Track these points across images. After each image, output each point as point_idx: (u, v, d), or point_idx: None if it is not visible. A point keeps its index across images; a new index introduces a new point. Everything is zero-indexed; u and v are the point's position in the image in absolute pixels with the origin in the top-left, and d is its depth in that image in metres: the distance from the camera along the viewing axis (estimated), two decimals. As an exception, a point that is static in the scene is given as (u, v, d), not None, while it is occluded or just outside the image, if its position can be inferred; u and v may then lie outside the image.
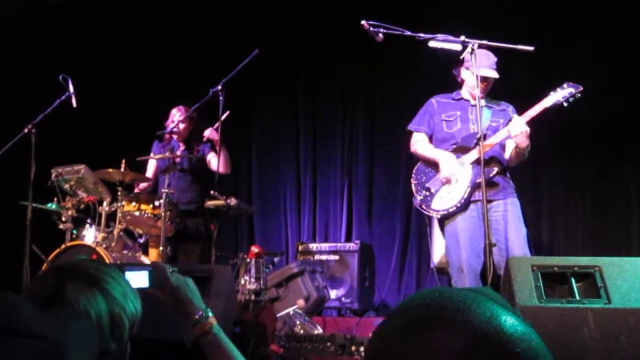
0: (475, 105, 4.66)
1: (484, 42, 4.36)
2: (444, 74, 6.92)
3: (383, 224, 7.41)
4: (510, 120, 4.64)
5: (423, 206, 4.76)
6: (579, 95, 4.45)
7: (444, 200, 4.67)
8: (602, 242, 6.40)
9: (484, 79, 4.57)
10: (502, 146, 4.75)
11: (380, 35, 4.41)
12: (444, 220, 4.73)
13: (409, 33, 4.39)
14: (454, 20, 6.07)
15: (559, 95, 4.46)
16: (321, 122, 7.83)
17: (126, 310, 1.50)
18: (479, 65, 4.43)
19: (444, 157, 4.72)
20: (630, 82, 6.29)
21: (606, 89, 6.16)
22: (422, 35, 4.39)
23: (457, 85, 4.98)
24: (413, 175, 4.95)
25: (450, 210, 4.62)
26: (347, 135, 7.67)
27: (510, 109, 4.85)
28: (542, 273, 3.06)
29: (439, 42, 4.39)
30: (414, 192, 4.87)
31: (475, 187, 4.56)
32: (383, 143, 7.53)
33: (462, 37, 4.34)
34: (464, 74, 4.85)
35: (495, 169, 4.61)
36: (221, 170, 5.63)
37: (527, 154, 4.64)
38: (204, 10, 7.73)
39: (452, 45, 4.39)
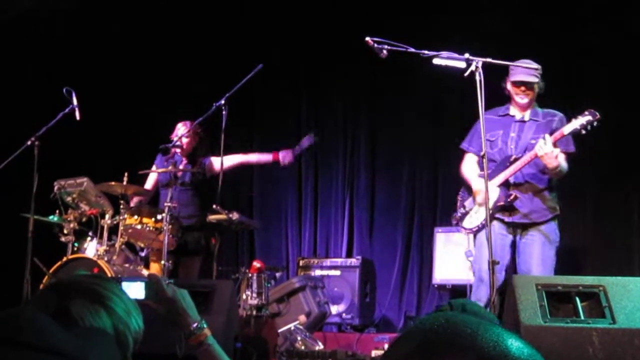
0: (518, 122, 4.76)
1: (488, 59, 4.36)
2: (446, 89, 7.02)
3: (384, 239, 7.40)
4: (552, 134, 4.57)
5: (459, 222, 4.91)
6: (597, 123, 4.45)
7: (471, 219, 4.79)
8: (603, 259, 6.39)
9: (519, 84, 4.67)
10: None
11: (385, 51, 4.42)
12: (476, 234, 4.81)
13: (413, 50, 4.40)
14: (464, 38, 6.08)
15: (577, 123, 4.44)
16: (322, 136, 7.83)
17: (130, 328, 1.49)
18: (513, 73, 4.58)
19: (475, 186, 4.79)
20: (632, 95, 6.30)
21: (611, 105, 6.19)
22: (426, 52, 4.40)
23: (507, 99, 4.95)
24: (459, 193, 5.07)
25: (474, 229, 4.74)
26: (349, 149, 7.67)
27: (557, 118, 4.72)
28: (547, 292, 3.06)
29: (443, 60, 4.39)
30: (457, 207, 5.01)
31: (496, 209, 4.61)
32: (385, 157, 7.54)
33: (467, 55, 4.34)
34: (508, 85, 4.83)
35: (512, 195, 4.61)
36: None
37: (562, 172, 4.60)
38: (208, 25, 7.75)
39: (456, 62, 4.39)
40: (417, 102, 7.42)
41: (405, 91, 7.39)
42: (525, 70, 4.70)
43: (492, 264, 3.98)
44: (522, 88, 4.72)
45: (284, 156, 6.02)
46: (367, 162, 7.59)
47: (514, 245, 4.73)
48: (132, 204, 5.96)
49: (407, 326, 6.71)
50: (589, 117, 4.42)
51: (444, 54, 4.38)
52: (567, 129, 4.48)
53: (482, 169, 4.69)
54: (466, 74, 4.46)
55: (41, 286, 5.29)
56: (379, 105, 7.63)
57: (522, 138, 4.62)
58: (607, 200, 6.51)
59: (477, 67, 4.27)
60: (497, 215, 4.65)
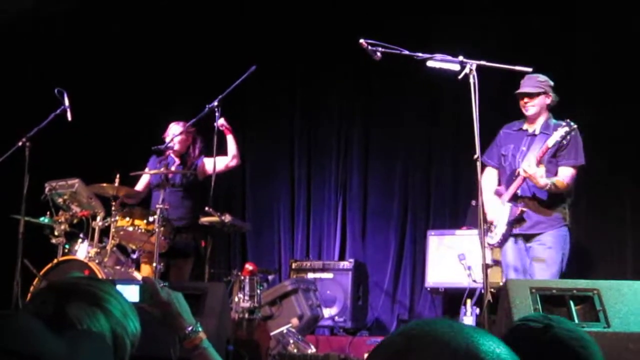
0: (530, 136, 4.87)
1: (482, 62, 4.35)
2: (439, 92, 7.02)
3: (377, 242, 7.39)
4: (558, 148, 4.67)
5: (485, 237, 4.95)
6: (573, 132, 4.56)
7: (492, 235, 4.86)
8: (596, 262, 6.40)
9: (521, 95, 4.83)
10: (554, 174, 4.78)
11: (379, 54, 4.42)
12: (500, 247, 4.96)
13: (407, 52, 4.40)
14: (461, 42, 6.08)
15: (558, 135, 4.54)
16: (316, 138, 7.83)
17: (127, 330, 1.47)
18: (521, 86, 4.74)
19: (487, 203, 4.81)
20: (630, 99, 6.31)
21: (607, 104, 6.22)
22: (420, 54, 4.40)
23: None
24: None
25: (495, 245, 4.88)
26: (342, 152, 7.67)
27: (564, 131, 4.61)
28: (541, 296, 3.05)
29: (437, 62, 4.39)
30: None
31: (512, 224, 4.75)
32: (377, 160, 7.53)
33: (460, 57, 4.34)
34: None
35: (519, 211, 4.72)
36: (233, 160, 5.81)
37: (559, 189, 4.69)
38: (201, 26, 7.73)
39: (450, 65, 4.39)
40: (411, 104, 7.42)
41: (399, 93, 7.39)
42: (526, 82, 4.83)
43: (485, 267, 4.03)
44: (525, 100, 4.83)
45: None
46: (360, 164, 7.58)
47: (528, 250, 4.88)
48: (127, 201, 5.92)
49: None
50: (566, 129, 4.53)
51: (438, 56, 4.38)
52: (550, 142, 4.57)
53: (499, 182, 4.98)
54: (460, 76, 4.46)
55: (32, 288, 5.26)
56: (372, 107, 7.62)
57: (530, 152, 4.72)
58: (600, 201, 6.50)
59: (471, 69, 4.27)
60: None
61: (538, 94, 4.82)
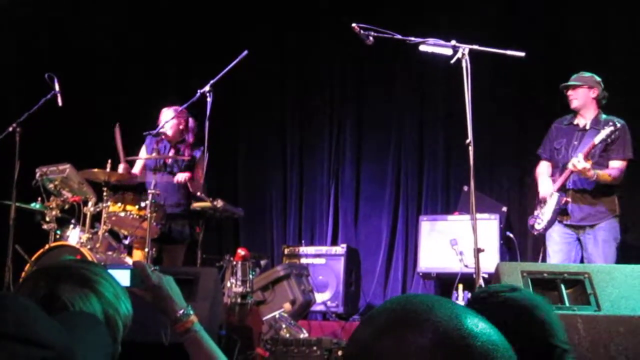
0: (581, 130, 5.11)
1: (475, 47, 4.35)
2: (431, 78, 7.01)
3: (369, 228, 7.40)
4: (608, 144, 4.92)
5: (533, 225, 5.22)
6: (620, 129, 4.82)
7: (539, 222, 5.16)
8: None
9: (562, 88, 5.12)
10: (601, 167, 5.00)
11: (371, 38, 4.41)
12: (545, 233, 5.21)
13: (399, 37, 4.39)
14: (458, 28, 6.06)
15: (604, 134, 4.77)
16: (308, 124, 7.81)
17: (119, 312, 1.48)
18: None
19: (541, 184, 5.24)
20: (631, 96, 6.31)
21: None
22: (412, 39, 4.39)
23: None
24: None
25: (541, 231, 5.15)
26: (334, 137, 7.65)
27: (609, 130, 4.82)
28: (532, 279, 3.06)
29: (430, 46, 4.39)
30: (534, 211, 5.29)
31: (556, 214, 5.04)
32: (370, 145, 7.53)
33: (453, 42, 4.33)
34: None
35: (564, 200, 5.00)
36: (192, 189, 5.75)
37: (608, 180, 4.92)
38: (194, 11, 7.69)
39: (442, 49, 4.38)
40: (403, 91, 7.41)
41: (392, 80, 7.38)
42: (572, 78, 5.11)
43: (477, 251, 4.03)
44: (569, 92, 5.10)
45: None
46: (352, 150, 7.57)
47: (581, 242, 5.09)
48: (120, 170, 5.83)
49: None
50: (612, 128, 4.75)
51: (431, 40, 4.38)
52: (597, 139, 4.80)
53: (552, 174, 5.23)
54: (453, 60, 4.45)
55: (23, 274, 5.24)
56: (365, 94, 7.60)
57: (581, 146, 4.93)
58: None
59: (463, 54, 4.27)
60: (558, 219, 5.08)
61: (580, 86, 5.05)
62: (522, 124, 6.90)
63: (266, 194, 7.77)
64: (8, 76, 7.29)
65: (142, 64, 7.61)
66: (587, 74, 5.12)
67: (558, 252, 5.07)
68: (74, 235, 5.53)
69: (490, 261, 5.31)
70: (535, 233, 5.26)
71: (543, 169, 5.34)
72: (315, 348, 4.34)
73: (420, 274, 6.43)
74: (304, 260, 6.55)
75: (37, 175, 5.55)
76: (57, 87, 5.45)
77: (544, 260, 5.27)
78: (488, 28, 6.49)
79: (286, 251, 6.72)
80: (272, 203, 7.73)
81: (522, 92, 6.86)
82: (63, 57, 7.21)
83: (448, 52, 4.37)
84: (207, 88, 5.23)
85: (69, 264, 1.52)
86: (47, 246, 5.38)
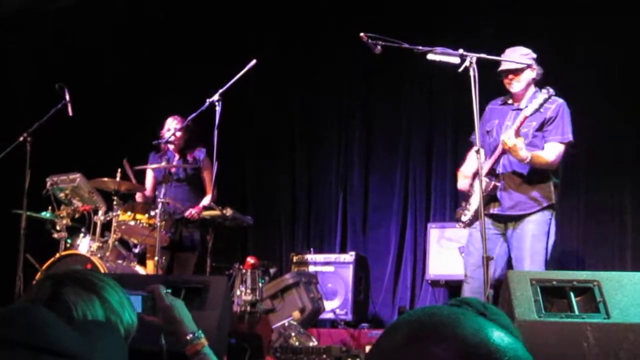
0: (516, 110, 4.60)
1: (483, 55, 4.36)
2: (439, 87, 7.02)
3: (378, 235, 7.40)
4: (544, 122, 4.51)
5: (460, 217, 4.80)
6: (551, 98, 4.30)
7: (465, 213, 4.74)
8: (596, 255, 6.41)
9: (504, 73, 4.55)
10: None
11: (379, 47, 4.42)
12: (468, 227, 4.77)
13: (407, 45, 4.40)
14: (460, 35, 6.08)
15: (536, 103, 4.29)
16: (316, 132, 7.83)
17: (122, 319, 1.50)
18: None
19: (459, 185, 4.85)
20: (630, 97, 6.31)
21: (606, 102, 6.22)
22: (420, 47, 4.40)
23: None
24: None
25: (467, 223, 4.70)
26: (343, 144, 7.66)
27: (553, 106, 4.48)
28: (541, 287, 3.06)
29: (437, 55, 4.39)
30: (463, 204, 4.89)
31: (485, 199, 4.36)
32: (379, 153, 7.53)
33: (461, 50, 4.34)
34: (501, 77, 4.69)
35: (492, 185, 4.46)
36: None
37: (542, 163, 4.45)
38: (202, 21, 7.73)
39: (450, 58, 4.39)
40: (412, 100, 7.41)
41: (400, 87, 7.39)
42: (508, 57, 4.57)
43: (487, 259, 3.97)
44: (510, 77, 4.55)
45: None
46: (361, 158, 7.58)
47: (507, 240, 4.62)
48: (139, 200, 5.95)
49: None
50: (545, 96, 4.26)
51: (438, 49, 4.38)
52: (528, 110, 4.31)
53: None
54: (460, 69, 4.46)
55: (34, 283, 5.28)
56: (373, 101, 7.61)
57: (514, 125, 4.38)
58: (599, 196, 6.51)
59: (471, 62, 4.27)
60: (485, 210, 4.39)
61: (523, 70, 4.54)
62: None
63: (275, 203, 7.79)
64: (19, 86, 7.34)
65: (150, 73, 7.65)
66: (526, 50, 4.57)
67: (479, 249, 4.25)
68: (84, 244, 5.56)
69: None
70: (463, 227, 4.77)
71: (473, 157, 4.71)
72: (324, 356, 4.35)
73: (429, 281, 6.43)
74: (312, 268, 6.55)
75: (48, 184, 5.60)
76: (67, 97, 5.50)
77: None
78: (494, 38, 6.49)
79: (295, 259, 6.73)
80: (281, 211, 7.74)
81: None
82: (73, 67, 7.25)
83: (456, 60, 4.38)
84: (215, 97, 5.25)
85: (76, 270, 1.55)
86: (57, 255, 5.42)
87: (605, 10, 6.37)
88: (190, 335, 1.96)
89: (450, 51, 4.38)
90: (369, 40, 4.40)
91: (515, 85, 4.57)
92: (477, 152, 4.25)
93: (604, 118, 6.35)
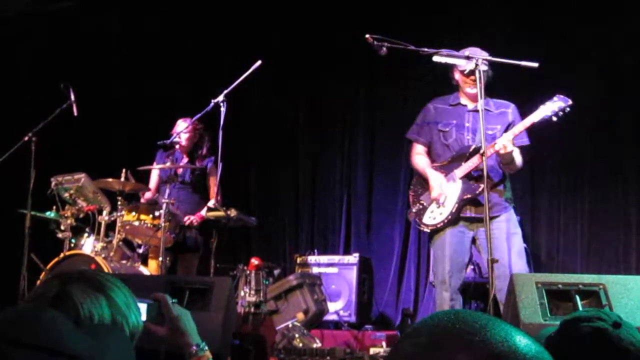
0: (472, 111, 4.60)
1: (488, 57, 4.35)
2: (444, 84, 7.00)
3: (382, 237, 7.39)
4: (509, 126, 4.53)
5: (417, 219, 4.68)
6: (569, 109, 4.25)
7: (434, 214, 4.57)
8: (601, 255, 6.40)
9: (470, 74, 4.46)
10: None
11: (384, 49, 4.41)
12: (433, 234, 4.62)
13: (412, 47, 4.39)
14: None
15: (548, 109, 4.26)
16: (320, 133, 7.83)
17: (128, 320, 1.50)
18: (462, 64, 4.41)
19: (433, 178, 4.61)
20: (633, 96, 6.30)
21: (609, 104, 6.20)
22: (426, 49, 4.38)
23: (455, 88, 4.80)
24: (411, 187, 4.88)
25: (439, 225, 4.53)
26: (347, 146, 7.66)
27: (511, 109, 4.62)
28: (547, 290, 3.06)
29: (443, 57, 4.38)
30: (410, 203, 4.80)
31: (463, 203, 4.47)
32: (383, 154, 7.53)
33: (467, 52, 4.34)
34: (457, 75, 4.69)
35: (481, 187, 4.35)
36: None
37: (517, 168, 4.52)
38: (207, 21, 7.73)
39: (456, 60, 4.39)
40: (415, 99, 7.39)
41: (404, 87, 7.37)
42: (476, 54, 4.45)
43: (491, 262, 3.92)
44: (472, 78, 4.44)
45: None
46: (365, 159, 7.57)
47: (475, 242, 4.57)
48: (143, 201, 5.95)
49: (405, 323, 6.70)
50: (561, 104, 4.24)
51: (444, 51, 4.37)
52: (537, 115, 4.28)
53: (432, 160, 4.70)
54: (466, 71, 4.46)
55: (38, 282, 5.28)
56: (377, 101, 7.61)
57: (478, 128, 4.35)
58: (604, 199, 6.50)
59: (476, 64, 4.26)
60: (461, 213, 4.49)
61: (485, 72, 4.40)
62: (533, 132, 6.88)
63: (279, 204, 7.79)
64: (24, 86, 7.35)
65: (156, 73, 7.65)
66: (485, 54, 4.44)
67: (453, 253, 4.43)
68: (89, 244, 5.57)
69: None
70: (428, 229, 4.57)
71: (424, 155, 4.76)
72: (328, 357, 4.35)
73: (433, 283, 6.41)
74: (316, 270, 6.55)
75: (53, 184, 5.61)
76: (72, 97, 5.51)
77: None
78: (501, 39, 6.49)
79: (299, 260, 6.72)
80: (285, 213, 7.75)
81: (535, 101, 6.84)
82: (78, 67, 7.26)
83: (461, 62, 4.38)
84: (220, 98, 5.24)
85: (84, 269, 1.55)
86: (62, 255, 5.43)
87: (605, 10, 6.36)
88: (195, 348, 1.95)
89: (456, 53, 4.38)
90: (375, 42, 4.39)
91: (475, 88, 4.36)
92: (482, 154, 4.22)
93: (607, 118, 6.34)
